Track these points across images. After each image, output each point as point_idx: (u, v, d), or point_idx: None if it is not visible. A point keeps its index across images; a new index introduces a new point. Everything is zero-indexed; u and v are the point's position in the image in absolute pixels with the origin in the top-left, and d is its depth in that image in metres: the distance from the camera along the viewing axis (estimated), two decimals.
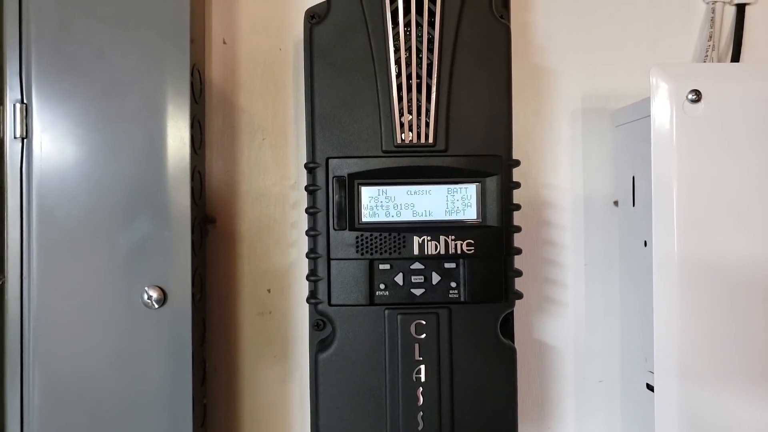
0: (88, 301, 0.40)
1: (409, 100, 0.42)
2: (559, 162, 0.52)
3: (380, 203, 0.42)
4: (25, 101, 0.40)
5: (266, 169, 0.50)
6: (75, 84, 0.40)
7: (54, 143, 0.40)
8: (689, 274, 0.41)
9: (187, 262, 0.41)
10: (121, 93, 0.41)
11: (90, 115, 0.41)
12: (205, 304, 0.49)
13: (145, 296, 0.40)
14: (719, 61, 0.51)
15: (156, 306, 0.40)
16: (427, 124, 0.42)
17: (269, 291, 0.50)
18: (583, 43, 0.52)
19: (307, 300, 0.43)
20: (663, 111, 0.41)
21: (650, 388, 0.46)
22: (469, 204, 0.42)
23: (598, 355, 0.52)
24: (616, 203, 0.52)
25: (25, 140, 0.40)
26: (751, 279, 0.41)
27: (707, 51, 0.51)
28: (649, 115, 0.42)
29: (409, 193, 0.42)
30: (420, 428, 0.41)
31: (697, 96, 0.41)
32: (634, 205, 0.49)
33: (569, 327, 0.52)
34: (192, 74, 0.45)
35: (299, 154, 0.50)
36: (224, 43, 0.50)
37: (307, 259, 0.42)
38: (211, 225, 0.50)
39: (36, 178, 0.40)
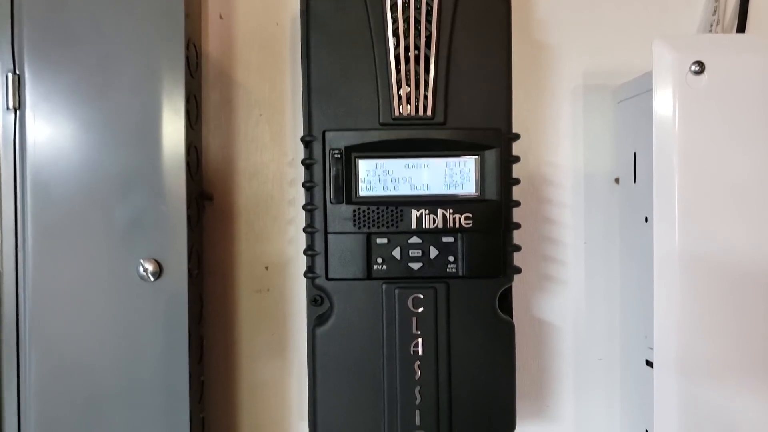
0: (83, 273, 0.40)
1: (407, 72, 0.41)
2: (559, 139, 0.51)
3: (378, 177, 0.42)
4: (17, 72, 0.40)
5: (263, 146, 0.50)
6: (69, 55, 0.40)
7: (47, 115, 0.40)
8: (690, 250, 0.41)
9: (183, 235, 0.40)
10: (116, 66, 0.41)
11: (84, 88, 0.40)
12: (203, 281, 0.49)
13: (141, 269, 0.40)
14: None
15: (152, 279, 0.40)
16: (426, 97, 0.41)
17: (267, 268, 0.50)
18: (586, 18, 0.51)
19: (305, 274, 0.43)
20: (665, 83, 0.41)
21: (650, 364, 0.46)
22: (467, 177, 0.42)
23: (597, 333, 0.52)
24: (617, 180, 0.51)
25: (17, 111, 0.40)
26: (754, 256, 0.41)
27: (712, 26, 0.51)
28: (651, 90, 0.41)
29: (407, 166, 0.42)
30: (417, 402, 0.41)
31: (700, 68, 0.41)
32: (635, 182, 0.48)
33: (568, 305, 0.52)
34: (188, 48, 0.44)
35: (297, 130, 0.49)
36: (221, 17, 0.50)
37: (305, 236, 0.42)
38: (208, 202, 0.49)
39: (29, 150, 0.40)
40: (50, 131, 0.40)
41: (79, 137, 0.40)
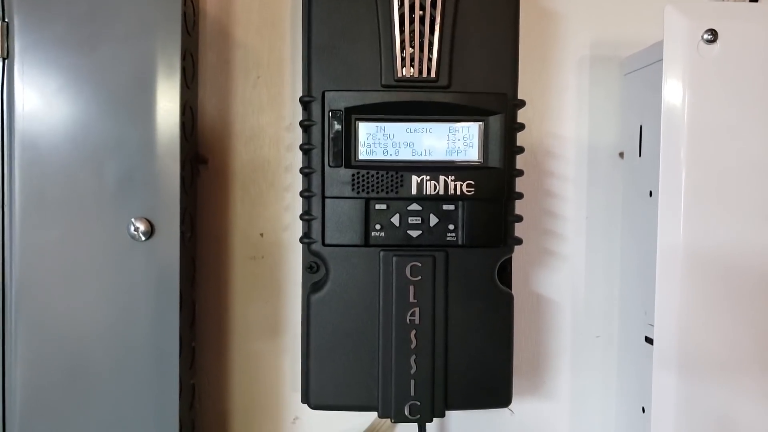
0: (73, 231, 0.39)
1: (412, 33, 0.40)
2: (564, 111, 0.50)
3: (378, 140, 0.41)
4: (6, 19, 0.38)
5: (261, 109, 0.48)
6: (59, 3, 0.38)
7: (36, 66, 0.38)
8: (696, 229, 0.40)
9: (176, 195, 0.39)
10: (108, 16, 0.39)
11: (74, 38, 0.39)
12: (196, 244, 0.47)
13: (132, 228, 0.39)
14: None
15: (143, 238, 0.39)
16: (430, 59, 0.40)
17: (262, 235, 0.49)
18: None
19: (301, 240, 0.41)
20: (676, 51, 0.40)
21: (649, 341, 0.45)
22: (471, 144, 0.41)
23: (596, 310, 0.51)
24: (621, 155, 0.50)
25: (5, 61, 0.38)
26: (764, 237, 0.40)
27: None
28: (661, 60, 0.40)
29: (408, 130, 0.41)
30: (413, 371, 0.40)
31: (713, 36, 0.39)
32: (640, 156, 0.47)
33: (568, 280, 0.51)
34: (185, 4, 0.43)
35: (295, 94, 0.48)
36: None
37: (301, 202, 0.41)
38: (203, 165, 0.48)
39: (18, 101, 0.38)
40: (39, 83, 0.38)
41: (69, 90, 0.39)
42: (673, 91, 0.40)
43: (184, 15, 0.42)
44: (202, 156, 0.48)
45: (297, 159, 0.42)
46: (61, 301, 0.39)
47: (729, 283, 0.40)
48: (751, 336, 0.40)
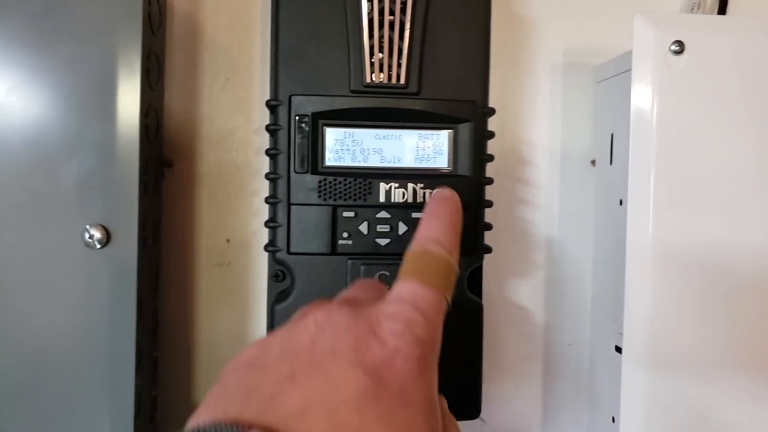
0: (24, 238, 0.37)
1: (381, 38, 0.39)
2: (537, 118, 0.50)
3: (346, 146, 0.40)
4: None
5: (229, 112, 0.47)
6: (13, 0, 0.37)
7: None
8: (664, 237, 0.40)
9: (134, 201, 0.38)
10: (65, 14, 0.38)
11: (29, 36, 0.37)
12: (159, 251, 0.46)
13: (87, 235, 0.37)
14: None
15: (98, 246, 0.37)
16: (400, 65, 0.39)
17: (228, 241, 0.48)
18: None
19: (265, 248, 0.40)
20: (645, 61, 0.39)
21: (619, 350, 0.45)
22: (440, 151, 0.40)
23: (568, 317, 0.51)
24: (593, 162, 0.50)
25: None
26: (731, 245, 0.40)
27: (693, 8, 0.50)
28: (631, 70, 0.40)
29: (377, 137, 0.40)
30: None
31: (680, 47, 0.39)
32: (611, 164, 0.47)
33: (540, 288, 0.51)
34: (150, 3, 0.41)
35: (264, 96, 0.47)
36: None
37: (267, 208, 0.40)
38: (168, 168, 0.47)
39: None
40: None
41: (23, 90, 0.37)
42: (642, 100, 0.40)
43: (149, 15, 0.41)
44: (168, 159, 0.47)
45: (265, 163, 0.41)
46: (11, 312, 0.38)
47: (698, 286, 0.40)
48: (721, 339, 0.40)
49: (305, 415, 0.19)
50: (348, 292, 0.28)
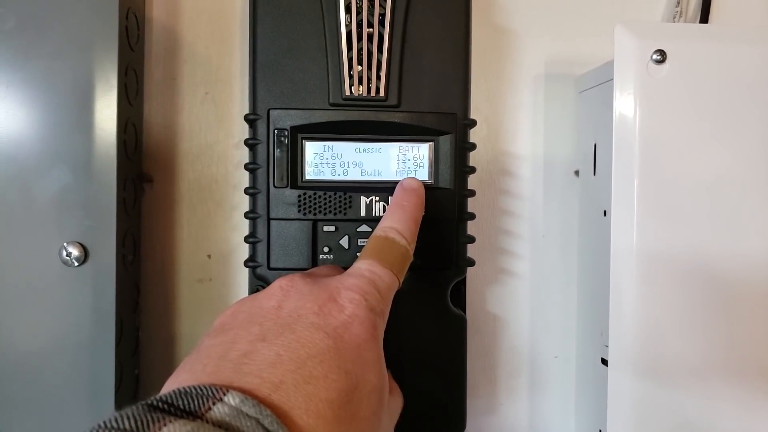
0: (1, 256, 0.37)
1: (360, 50, 0.39)
2: (519, 129, 0.50)
3: (326, 160, 0.39)
4: None
5: (209, 126, 0.47)
6: None
7: None
8: (648, 247, 0.39)
9: (112, 217, 0.37)
10: (41, 30, 0.37)
11: (3, 50, 0.37)
12: (139, 268, 0.45)
13: (64, 253, 0.37)
14: None
15: (76, 264, 0.37)
16: (379, 77, 0.39)
17: (209, 257, 0.47)
18: (549, 5, 0.50)
19: (245, 263, 0.40)
20: (626, 71, 0.39)
21: (605, 362, 0.45)
22: (421, 164, 0.40)
23: (553, 329, 0.51)
24: (576, 173, 0.50)
25: None
26: (715, 254, 0.40)
27: (675, 17, 0.50)
28: (612, 80, 0.40)
29: (357, 150, 0.40)
30: None
31: (661, 56, 0.39)
32: (594, 174, 0.47)
33: (525, 300, 0.50)
34: (127, 18, 0.41)
35: (244, 110, 0.47)
36: None
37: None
38: (147, 184, 0.46)
39: None
40: None
41: None
42: (624, 110, 0.39)
43: (126, 29, 0.41)
44: (147, 175, 0.46)
45: (245, 178, 0.41)
46: None
47: (683, 296, 0.40)
48: (707, 348, 0.40)
49: (277, 367, 0.22)
50: (310, 270, 0.32)
